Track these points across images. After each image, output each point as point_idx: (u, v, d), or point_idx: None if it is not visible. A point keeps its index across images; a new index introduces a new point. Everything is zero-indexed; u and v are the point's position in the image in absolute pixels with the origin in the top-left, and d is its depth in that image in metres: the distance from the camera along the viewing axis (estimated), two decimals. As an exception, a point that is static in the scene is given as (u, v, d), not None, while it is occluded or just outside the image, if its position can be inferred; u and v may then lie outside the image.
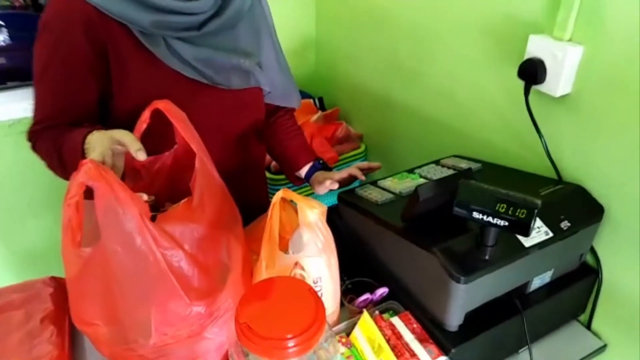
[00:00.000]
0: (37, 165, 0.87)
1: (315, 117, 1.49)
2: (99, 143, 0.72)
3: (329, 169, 1.05)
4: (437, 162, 1.08)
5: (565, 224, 0.81)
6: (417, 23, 1.21)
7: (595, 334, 0.92)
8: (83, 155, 0.75)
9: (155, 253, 0.66)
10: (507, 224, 0.69)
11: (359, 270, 0.93)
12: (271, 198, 0.76)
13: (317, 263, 0.75)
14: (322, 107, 1.63)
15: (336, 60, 1.62)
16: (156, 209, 0.92)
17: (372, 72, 1.44)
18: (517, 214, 0.68)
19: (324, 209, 0.75)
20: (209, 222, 0.78)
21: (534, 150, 0.96)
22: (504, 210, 0.68)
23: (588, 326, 0.93)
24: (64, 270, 0.67)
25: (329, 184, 0.96)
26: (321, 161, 1.06)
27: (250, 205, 0.92)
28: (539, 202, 0.67)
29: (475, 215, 0.71)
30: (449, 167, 1.03)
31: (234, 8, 0.87)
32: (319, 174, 1.03)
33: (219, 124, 0.94)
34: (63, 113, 0.82)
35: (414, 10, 1.21)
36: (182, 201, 0.83)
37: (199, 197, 0.78)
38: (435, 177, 0.99)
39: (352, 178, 1.03)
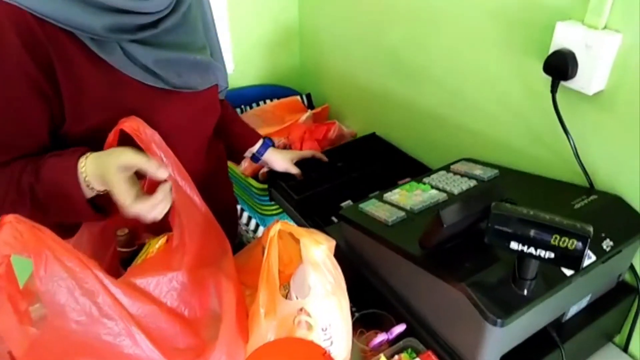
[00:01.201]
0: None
1: (304, 117, 1.35)
2: (115, 182, 0.60)
3: (275, 147, 1.11)
4: (447, 169, 0.96)
5: (607, 244, 0.70)
6: (415, 6, 1.08)
7: (633, 357, 0.83)
8: (80, 188, 0.64)
9: (123, 319, 0.52)
10: (553, 256, 0.58)
11: (365, 297, 0.82)
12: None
13: (327, 308, 0.63)
14: (311, 105, 1.49)
15: (323, 52, 1.47)
16: (131, 243, 0.79)
17: (364, 63, 1.30)
18: (565, 244, 0.57)
19: (332, 243, 0.63)
20: (193, 263, 0.65)
21: (559, 154, 0.85)
22: (549, 239, 0.57)
23: (625, 349, 0.84)
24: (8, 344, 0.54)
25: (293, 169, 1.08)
26: (270, 139, 1.10)
27: (222, 206, 0.87)
28: (590, 229, 0.56)
29: (513, 245, 0.60)
30: (462, 175, 0.92)
31: (188, 1, 0.76)
32: (277, 152, 1.09)
33: (188, 132, 0.83)
34: (6, 148, 0.67)
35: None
36: (160, 241, 0.70)
37: (179, 235, 0.65)
38: (448, 188, 0.87)
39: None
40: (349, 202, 1.06)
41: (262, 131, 1.31)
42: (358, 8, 1.25)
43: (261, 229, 1.36)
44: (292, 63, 1.57)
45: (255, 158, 1.09)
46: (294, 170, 1.10)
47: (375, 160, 1.18)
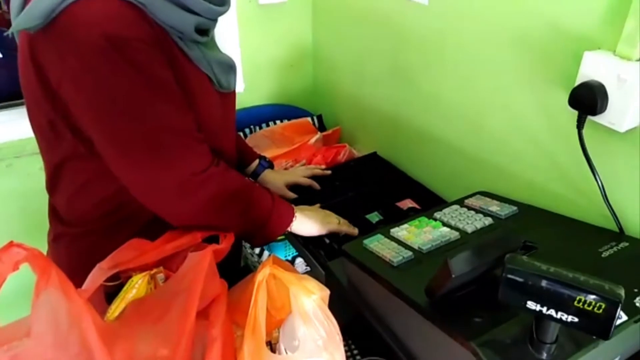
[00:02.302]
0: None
1: (314, 138, 1.30)
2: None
3: (272, 167, 1.12)
4: (460, 203, 0.89)
5: (640, 301, 0.62)
6: (433, 31, 1.02)
7: None
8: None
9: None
10: (577, 320, 0.50)
11: (368, 341, 0.75)
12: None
13: (318, 365, 0.57)
14: (322, 127, 1.44)
15: (336, 73, 1.43)
16: (117, 277, 0.74)
17: (378, 88, 1.25)
18: (591, 307, 0.49)
19: (325, 293, 0.57)
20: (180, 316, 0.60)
21: (585, 193, 0.77)
22: (572, 301, 0.50)
23: (657, 415, 0.75)
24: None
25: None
26: (267, 159, 1.11)
27: None
28: (622, 292, 0.49)
29: (530, 305, 0.52)
30: (477, 210, 0.85)
31: None
32: (273, 174, 1.10)
33: (229, 131, 0.90)
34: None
35: (428, 16, 1.02)
36: (142, 279, 0.65)
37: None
38: (461, 225, 0.80)
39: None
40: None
41: (271, 152, 1.27)
42: (373, 31, 1.20)
43: (266, 253, 1.31)
44: (304, 84, 1.53)
45: (254, 175, 1.09)
46: (288, 194, 1.09)
47: (374, 180, 1.15)
